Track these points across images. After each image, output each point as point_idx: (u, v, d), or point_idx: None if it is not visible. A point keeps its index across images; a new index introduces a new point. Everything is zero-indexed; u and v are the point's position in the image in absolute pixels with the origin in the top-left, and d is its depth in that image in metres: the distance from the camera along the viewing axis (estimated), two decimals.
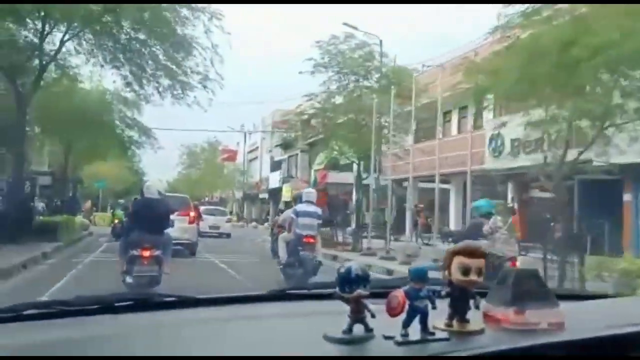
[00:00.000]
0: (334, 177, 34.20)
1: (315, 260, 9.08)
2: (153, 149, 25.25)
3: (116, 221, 21.31)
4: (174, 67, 15.00)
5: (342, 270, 1.01)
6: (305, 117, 23.13)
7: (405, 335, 0.98)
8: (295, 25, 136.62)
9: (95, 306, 1.31)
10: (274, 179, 44.12)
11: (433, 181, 25.05)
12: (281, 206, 43.66)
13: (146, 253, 6.93)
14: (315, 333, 1.01)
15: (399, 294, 1.00)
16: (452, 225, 24.50)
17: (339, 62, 19.14)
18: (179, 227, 12.28)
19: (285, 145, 41.77)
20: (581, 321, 1.16)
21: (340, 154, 23.33)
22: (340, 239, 21.86)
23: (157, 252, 7.01)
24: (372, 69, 19.51)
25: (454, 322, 1.06)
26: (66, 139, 23.07)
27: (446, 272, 1.06)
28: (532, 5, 9.52)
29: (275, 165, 46.38)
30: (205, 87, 15.41)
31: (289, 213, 10.54)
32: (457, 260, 1.04)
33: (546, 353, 0.97)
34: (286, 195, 41.20)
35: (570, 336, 1.03)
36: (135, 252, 6.96)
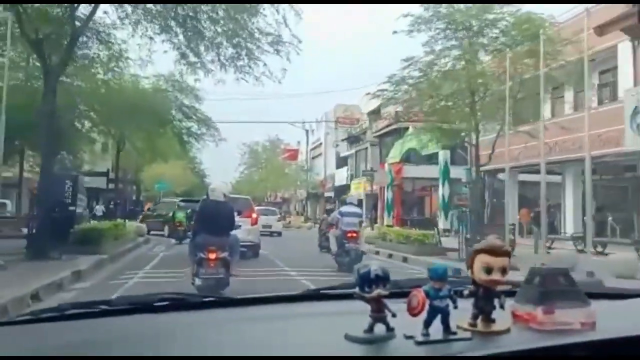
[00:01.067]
0: (411, 171, 30.27)
1: (359, 250, 11.28)
2: (214, 141, 22.29)
3: (177, 223, 19.15)
4: (237, 29, 11.56)
5: (362, 270, 1.00)
6: (383, 101, 18.88)
7: (426, 334, 0.97)
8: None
9: (135, 306, 1.35)
10: (340, 176, 40.63)
11: (534, 172, 20.59)
12: (329, 206, 40.21)
13: (212, 255, 6.97)
14: (338, 333, 1.01)
15: (418, 293, 0.98)
16: (570, 227, 19.93)
17: (447, 15, 14.88)
18: (242, 229, 12.17)
19: (353, 139, 38.08)
20: (613, 321, 1.12)
21: (431, 139, 19.06)
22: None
23: (224, 254, 7.05)
24: (490, 21, 15.05)
25: (479, 322, 1.03)
26: (118, 132, 20.32)
27: (469, 271, 1.03)
28: None
29: (341, 162, 42.86)
30: (278, 52, 11.92)
31: (335, 214, 12.81)
32: (480, 259, 1.01)
33: (574, 353, 0.93)
34: (355, 192, 37.34)
35: (600, 336, 0.98)
36: (202, 255, 7.02)
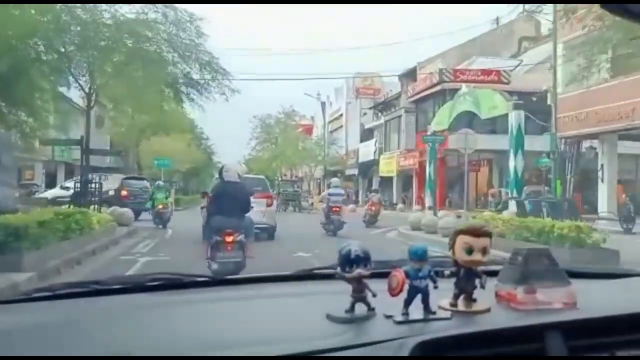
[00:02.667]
0: (458, 140, 25.02)
1: (340, 220, 14.89)
2: (223, 93, 16.87)
3: (159, 207, 16.39)
4: None
5: (343, 250, 1.01)
6: None
7: (406, 314, 0.98)
8: None
9: (127, 285, 1.35)
10: (366, 151, 35.48)
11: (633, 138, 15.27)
12: (374, 186, 34.94)
13: (229, 238, 6.79)
14: (320, 312, 1.03)
15: (398, 273, 0.99)
16: None
17: None
18: (257, 211, 11.08)
19: (382, 107, 32.62)
20: (594, 301, 1.12)
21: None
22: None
23: (240, 237, 6.87)
24: None
25: (460, 302, 1.04)
26: (90, 80, 15.29)
27: (451, 252, 1.04)
28: None
29: (366, 134, 37.74)
30: None
31: (325, 194, 16.78)
32: (461, 240, 1.02)
33: (553, 332, 0.92)
34: (385, 169, 32.05)
35: (580, 315, 1.00)
36: (218, 238, 6.83)
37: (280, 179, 49.53)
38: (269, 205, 13.49)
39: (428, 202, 25.94)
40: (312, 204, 30.10)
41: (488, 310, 1.03)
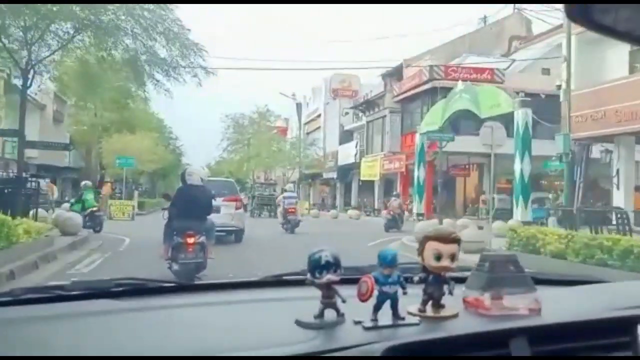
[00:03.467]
0: (484, 136, 23.12)
1: (296, 219, 16.91)
2: (193, 72, 14.16)
3: (91, 209, 14.48)
4: None
5: (313, 256, 1.00)
6: None
7: (375, 320, 0.98)
8: None
9: (91, 291, 1.32)
10: (346, 153, 33.38)
11: None
12: (358, 187, 32.94)
13: (190, 240, 6.85)
14: (289, 318, 1.02)
15: (368, 279, 0.99)
16: None
17: None
18: (225, 214, 12.34)
19: (365, 107, 30.53)
20: (558, 307, 1.14)
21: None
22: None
23: (201, 239, 6.96)
24: None
25: (428, 308, 1.05)
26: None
27: (419, 258, 1.05)
28: None
29: (346, 136, 35.58)
30: None
31: (281, 198, 18.77)
32: (430, 246, 1.03)
33: (518, 337, 0.93)
34: (367, 172, 30.01)
35: (544, 321, 1.02)
36: (179, 239, 6.90)
37: (253, 182, 47.04)
38: (237, 208, 13.41)
39: (415, 208, 23.95)
40: None
41: (456, 315, 1.04)
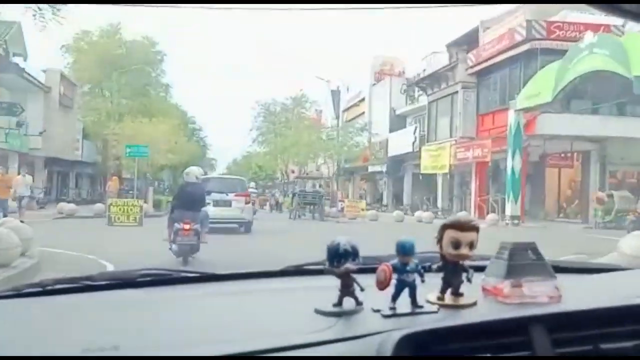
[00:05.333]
0: (553, 123, 17.37)
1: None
2: None
3: None
4: None
5: (331, 245, 1.00)
6: None
7: (393, 308, 0.99)
8: None
9: (117, 281, 1.37)
10: (399, 142, 27.81)
11: None
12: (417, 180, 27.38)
13: (187, 226, 8.13)
14: (309, 307, 1.04)
15: (386, 268, 0.99)
16: None
17: None
18: (236, 207, 14.17)
19: (429, 83, 24.76)
20: (578, 294, 1.14)
21: None
22: None
23: (196, 226, 8.24)
24: None
25: (447, 296, 1.05)
26: None
27: (438, 246, 1.05)
28: None
29: (398, 122, 29.99)
30: None
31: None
32: (448, 234, 1.02)
33: (537, 325, 0.94)
34: (430, 164, 24.33)
35: (564, 308, 1.01)
36: (178, 226, 8.16)
37: (288, 176, 41.69)
38: (246, 202, 14.86)
39: (509, 209, 18.25)
40: (342, 209, 22.14)
41: (474, 304, 1.04)
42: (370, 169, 33.16)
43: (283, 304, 1.20)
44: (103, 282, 1.34)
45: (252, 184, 35.96)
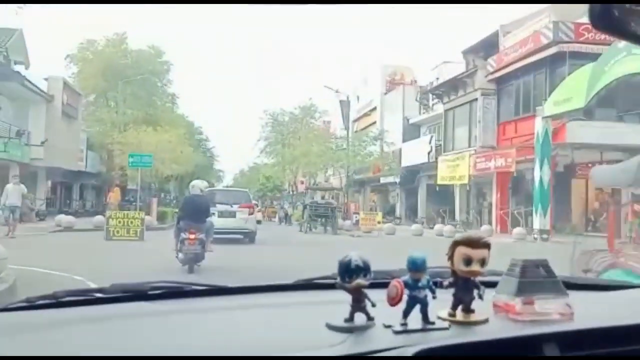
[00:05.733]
0: (584, 131, 16.21)
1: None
2: None
3: None
4: None
5: (343, 260, 1.00)
6: None
7: (405, 324, 0.98)
8: None
9: (129, 294, 1.36)
10: (414, 152, 26.55)
11: None
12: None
13: (192, 236, 8.57)
14: (320, 321, 1.03)
15: (398, 283, 0.99)
16: None
17: None
18: (240, 218, 14.70)
19: (445, 91, 23.72)
20: (590, 312, 1.13)
21: None
22: None
23: (201, 236, 8.66)
24: None
25: (458, 312, 1.04)
26: None
27: (449, 263, 1.04)
28: None
29: (412, 132, 28.87)
30: None
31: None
32: (460, 251, 1.02)
33: (550, 343, 0.93)
34: (447, 174, 23.32)
35: (577, 326, 1.00)
36: (184, 235, 8.62)
37: (295, 188, 40.55)
38: (250, 213, 15.41)
39: (538, 222, 17.03)
40: (357, 221, 20.93)
41: (486, 320, 1.03)
42: (383, 180, 32.02)
43: (294, 318, 1.20)
44: (115, 295, 1.34)
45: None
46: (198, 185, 9.43)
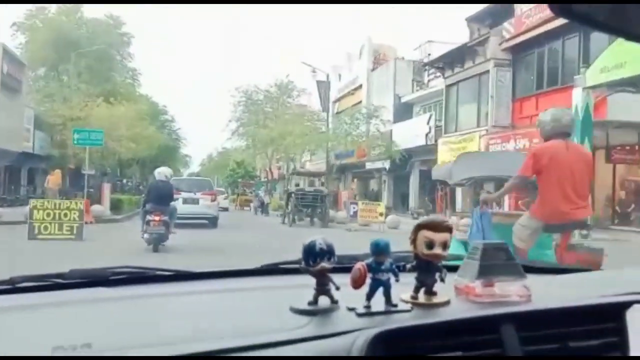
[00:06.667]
0: (630, 107, 13.46)
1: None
2: None
3: None
4: None
5: (307, 243, 1.01)
6: None
7: (368, 306, 0.99)
8: None
9: (89, 279, 1.33)
10: (407, 134, 23.53)
11: None
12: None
13: (156, 218, 9.41)
14: (284, 305, 1.04)
15: (361, 266, 1.00)
16: None
17: None
18: (203, 204, 16.05)
19: (450, 62, 20.64)
20: (548, 294, 1.18)
21: None
22: None
23: (165, 218, 9.50)
24: None
25: (420, 295, 1.06)
26: None
27: (412, 246, 1.06)
28: None
29: (403, 111, 25.77)
30: None
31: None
32: (422, 234, 1.03)
33: (508, 323, 0.96)
34: (449, 157, 20.31)
35: (533, 307, 1.04)
36: (149, 217, 9.47)
37: (270, 173, 37.13)
38: (212, 200, 16.67)
39: None
40: (355, 212, 17.50)
41: (447, 302, 1.04)
42: (369, 165, 28.95)
43: (258, 302, 1.19)
44: (74, 280, 1.31)
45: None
46: (164, 172, 10.29)
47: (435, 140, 21.89)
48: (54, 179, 16.03)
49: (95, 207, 15.66)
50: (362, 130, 24.40)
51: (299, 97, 35.09)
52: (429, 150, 22.23)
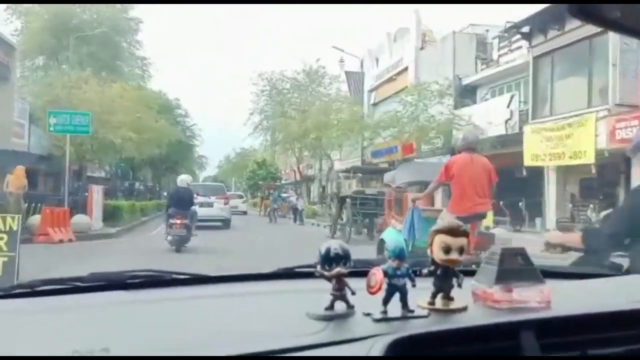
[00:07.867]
0: None
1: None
2: None
3: None
4: None
5: (323, 249, 1.01)
6: None
7: (384, 312, 0.99)
8: None
9: (107, 282, 1.35)
10: (478, 121, 18.60)
11: None
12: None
13: (178, 221, 10.55)
14: (300, 310, 1.04)
15: (377, 272, 1.00)
16: None
17: None
18: (217, 207, 18.37)
19: (543, 25, 15.66)
20: (567, 299, 1.15)
21: None
22: None
23: (186, 221, 10.64)
24: None
25: (437, 301, 1.05)
26: None
27: (429, 251, 1.05)
28: None
29: (463, 96, 20.98)
30: None
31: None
32: (439, 239, 1.03)
33: (528, 330, 0.95)
34: (541, 150, 15.08)
35: (554, 313, 1.02)
36: (172, 221, 10.67)
37: (299, 174, 32.25)
38: (225, 204, 19.23)
39: None
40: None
41: (465, 308, 1.03)
42: (419, 161, 24.12)
43: (274, 306, 1.19)
44: (93, 284, 1.31)
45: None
46: (185, 179, 11.87)
47: (520, 128, 17.11)
48: (14, 178, 11.52)
49: (78, 219, 11.26)
50: (429, 113, 19.56)
51: (330, 85, 30.48)
52: (509, 141, 17.44)
